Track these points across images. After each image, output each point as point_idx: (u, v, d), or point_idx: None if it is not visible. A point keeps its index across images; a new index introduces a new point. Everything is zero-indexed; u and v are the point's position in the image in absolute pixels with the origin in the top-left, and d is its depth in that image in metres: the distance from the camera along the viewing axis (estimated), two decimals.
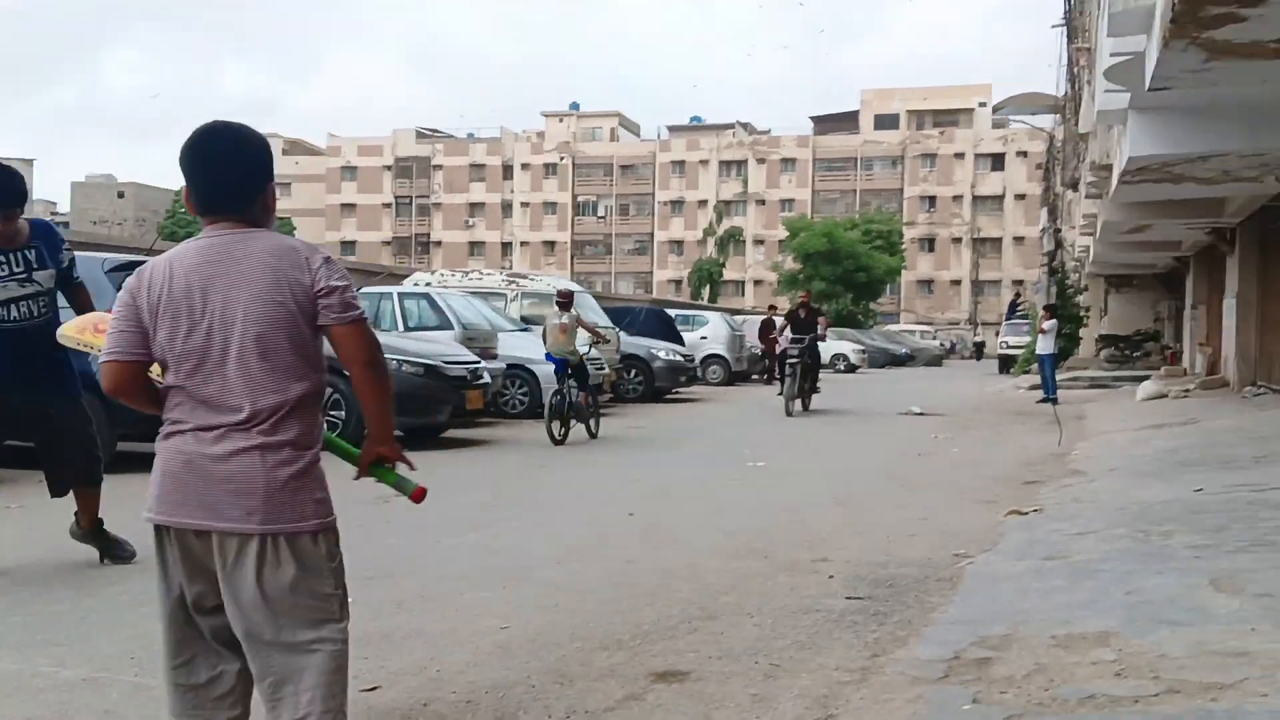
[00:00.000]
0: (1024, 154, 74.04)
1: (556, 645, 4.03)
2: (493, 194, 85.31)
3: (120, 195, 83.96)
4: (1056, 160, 33.76)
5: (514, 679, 3.66)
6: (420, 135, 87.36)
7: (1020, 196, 75.22)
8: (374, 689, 3.55)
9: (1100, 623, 3.97)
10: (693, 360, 21.44)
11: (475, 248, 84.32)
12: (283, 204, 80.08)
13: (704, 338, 25.28)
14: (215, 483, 2.41)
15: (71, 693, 3.54)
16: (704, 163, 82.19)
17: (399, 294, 14.98)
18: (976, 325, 73.15)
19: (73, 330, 4.27)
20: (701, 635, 4.17)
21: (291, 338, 2.46)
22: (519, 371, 14.84)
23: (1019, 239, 75.25)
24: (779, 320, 20.48)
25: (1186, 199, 15.40)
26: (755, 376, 26.58)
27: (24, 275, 5.08)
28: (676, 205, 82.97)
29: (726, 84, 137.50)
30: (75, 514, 5.40)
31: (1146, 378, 20.79)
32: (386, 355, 10.64)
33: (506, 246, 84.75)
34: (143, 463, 2.55)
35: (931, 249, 78.44)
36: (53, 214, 73.68)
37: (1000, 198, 77.41)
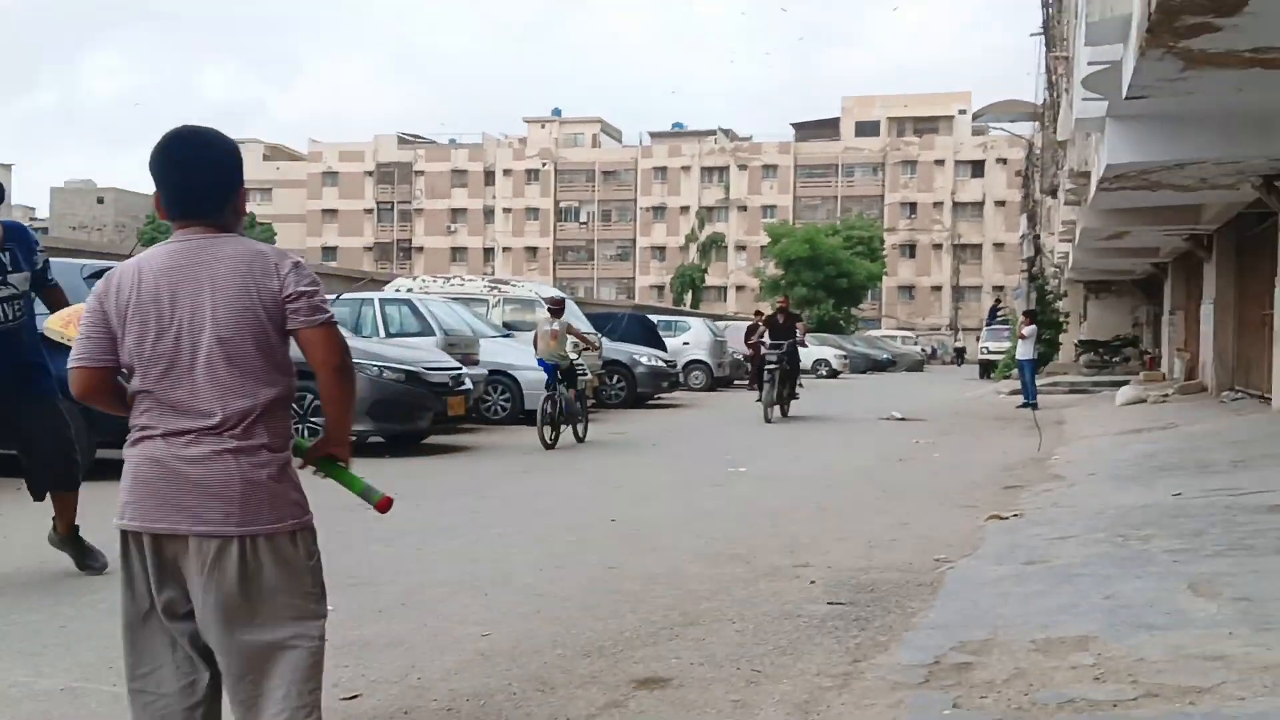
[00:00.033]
0: (1004, 161, 74.43)
1: (538, 652, 4.03)
2: (474, 200, 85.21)
3: (100, 201, 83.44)
4: (1036, 167, 33.98)
5: (495, 686, 3.65)
6: (402, 141, 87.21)
7: (1000, 203, 75.66)
8: (354, 697, 3.54)
9: (1079, 627, 4.00)
10: (675, 366, 21.46)
11: (457, 253, 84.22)
12: (264, 209, 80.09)
13: (686, 343, 25.31)
14: (191, 486, 2.41)
15: (50, 702, 3.52)
16: (686, 169, 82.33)
17: (380, 300, 14.92)
18: (957, 331, 73.58)
19: (57, 324, 4.26)
20: (683, 641, 4.18)
21: (260, 343, 2.46)
22: (501, 377, 14.82)
23: (999, 245, 75.66)
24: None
25: (1164, 206, 15.51)
26: (738, 382, 26.62)
27: None
28: (658, 211, 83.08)
29: (708, 91, 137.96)
30: (53, 519, 5.36)
31: (1125, 383, 20.93)
32: (368, 361, 10.60)
33: (488, 252, 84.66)
34: (121, 469, 2.54)
35: (912, 255, 78.78)
36: (32, 219, 73.09)
37: (980, 204, 77.83)
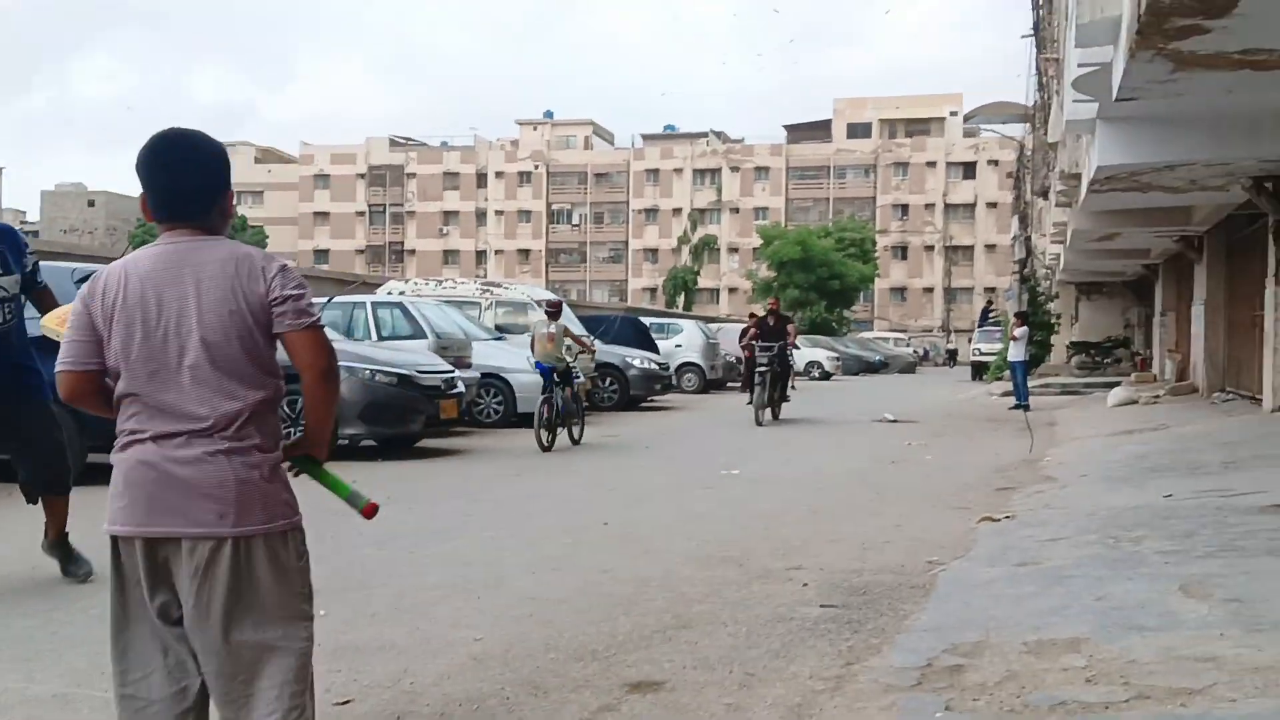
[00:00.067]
0: (995, 162, 74.65)
1: (531, 656, 4.03)
2: (467, 202, 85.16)
3: (91, 204, 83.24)
4: (1027, 169, 34.04)
5: (488, 691, 3.65)
6: (394, 143, 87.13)
7: (992, 205, 75.84)
8: (346, 702, 3.53)
9: (1071, 629, 4.01)
10: (668, 368, 21.46)
11: (449, 256, 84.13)
12: (255, 212, 79.96)
13: (679, 346, 25.32)
14: (184, 488, 2.41)
15: (41, 708, 3.51)
16: (678, 171, 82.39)
17: (372, 303, 14.90)
18: (949, 332, 73.72)
19: (54, 322, 4.26)
20: (676, 645, 4.18)
21: (247, 346, 2.46)
22: (494, 380, 14.81)
23: (991, 247, 75.85)
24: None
25: (1154, 208, 15.57)
26: (731, 384, 26.62)
27: None
28: (651, 213, 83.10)
29: (700, 93, 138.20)
30: (46, 525, 5.34)
31: (1117, 384, 21.00)
32: (361, 365, 10.57)
33: (481, 255, 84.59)
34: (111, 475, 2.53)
35: (904, 257, 78.91)
36: (22, 223, 72.90)
37: (972, 206, 78.01)
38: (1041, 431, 13.46)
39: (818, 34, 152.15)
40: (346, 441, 10.79)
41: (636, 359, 19.56)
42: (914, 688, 3.52)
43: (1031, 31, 24.44)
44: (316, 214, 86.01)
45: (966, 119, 42.69)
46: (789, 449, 12.51)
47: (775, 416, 16.17)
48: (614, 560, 5.82)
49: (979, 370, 34.59)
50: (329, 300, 13.96)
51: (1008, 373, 21.49)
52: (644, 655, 4.04)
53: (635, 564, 5.71)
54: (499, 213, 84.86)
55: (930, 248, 78.58)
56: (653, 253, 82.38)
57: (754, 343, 16.34)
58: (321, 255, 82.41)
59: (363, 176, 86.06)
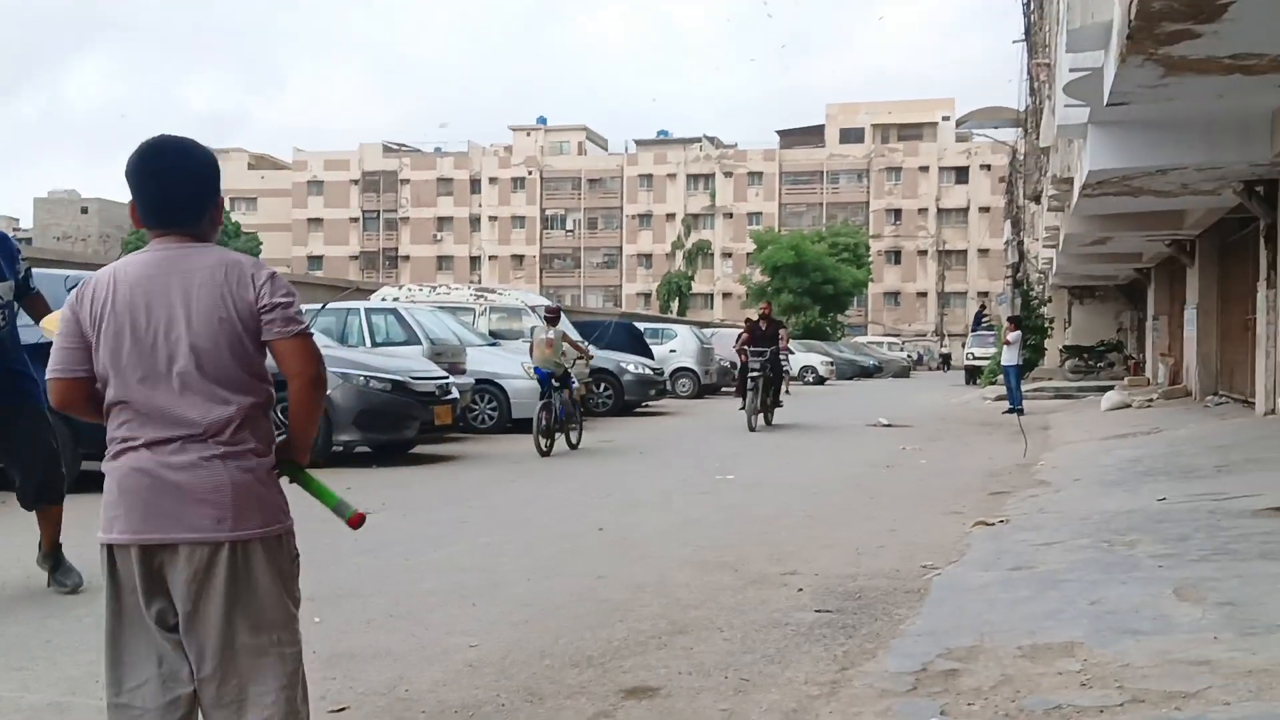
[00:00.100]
0: (987, 167, 74.81)
1: (526, 663, 4.03)
2: (460, 208, 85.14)
3: (84, 211, 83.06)
4: (1019, 173, 34.16)
5: (484, 698, 3.65)
6: (387, 149, 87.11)
7: (984, 209, 75.95)
8: (342, 709, 3.53)
9: (1066, 633, 4.02)
10: (662, 373, 21.44)
11: (443, 262, 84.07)
12: (248, 219, 79.88)
13: (673, 351, 25.32)
14: (180, 494, 2.40)
15: (36, 716, 3.50)
16: (671, 176, 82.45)
17: (366, 309, 14.88)
18: (943, 337, 73.84)
19: (52, 325, 4.26)
20: (671, 650, 4.18)
21: (236, 353, 2.47)
22: (488, 386, 14.81)
23: (984, 251, 75.98)
24: None
25: (1146, 212, 15.62)
26: (726, 389, 26.62)
27: None
28: (644, 219, 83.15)
29: (693, 98, 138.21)
30: (40, 536, 5.32)
31: (1110, 388, 21.03)
32: (355, 371, 10.57)
33: (474, 261, 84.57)
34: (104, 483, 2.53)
35: (898, 261, 79.01)
36: (15, 230, 72.76)
37: (965, 210, 78.12)
38: (1035, 436, 13.48)
39: (810, 40, 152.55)
40: (341, 448, 10.78)
41: (631, 364, 19.55)
42: (909, 693, 3.53)
43: (1023, 37, 24.54)
44: (310, 220, 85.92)
45: (959, 124, 42.81)
46: (783, 454, 12.52)
47: (768, 422, 16.13)
48: (609, 566, 5.82)
49: (973, 374, 34.65)
50: (323, 306, 13.95)
51: (1001, 377, 21.53)
52: (639, 661, 4.04)
53: (630, 570, 5.71)
54: (493, 218, 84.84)
55: (923, 252, 78.69)
56: (646, 258, 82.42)
57: (746, 348, 16.31)
58: (315, 261, 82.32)
59: (356, 182, 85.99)
